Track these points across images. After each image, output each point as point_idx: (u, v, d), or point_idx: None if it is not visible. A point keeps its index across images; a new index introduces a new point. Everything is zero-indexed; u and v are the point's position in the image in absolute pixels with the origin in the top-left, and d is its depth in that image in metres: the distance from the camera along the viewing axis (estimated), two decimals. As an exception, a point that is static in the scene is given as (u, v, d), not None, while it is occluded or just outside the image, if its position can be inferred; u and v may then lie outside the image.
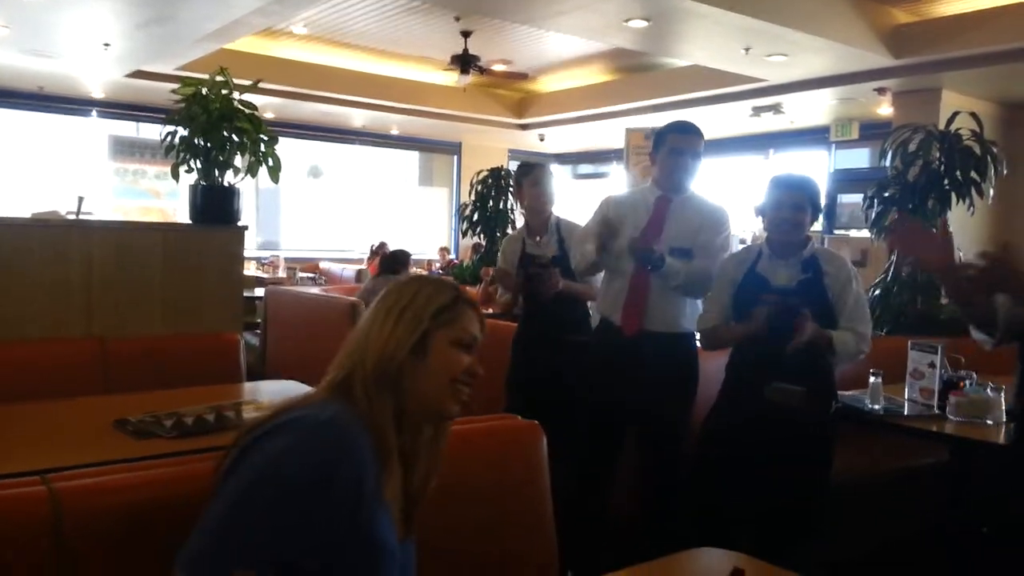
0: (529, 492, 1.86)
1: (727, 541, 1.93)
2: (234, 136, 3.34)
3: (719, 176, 11.05)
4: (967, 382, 2.80)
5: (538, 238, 3.49)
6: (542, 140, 11.70)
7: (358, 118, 10.65)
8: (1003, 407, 2.69)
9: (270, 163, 3.44)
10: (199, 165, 3.38)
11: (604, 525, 3.00)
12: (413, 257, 10.59)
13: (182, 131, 3.34)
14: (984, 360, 3.29)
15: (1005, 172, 4.35)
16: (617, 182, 11.57)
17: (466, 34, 7.73)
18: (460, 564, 1.68)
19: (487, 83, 9.90)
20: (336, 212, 11.80)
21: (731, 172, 10.89)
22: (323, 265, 10.04)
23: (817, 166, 9.34)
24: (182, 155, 3.37)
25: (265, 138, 3.41)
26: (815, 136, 9.28)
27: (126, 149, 9.75)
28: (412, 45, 8.41)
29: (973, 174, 4.10)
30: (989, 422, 2.67)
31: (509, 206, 7.44)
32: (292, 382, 2.90)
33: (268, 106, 9.41)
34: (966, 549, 2.79)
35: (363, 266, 9.29)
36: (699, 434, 2.80)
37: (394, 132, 11.66)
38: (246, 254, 3.84)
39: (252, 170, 3.44)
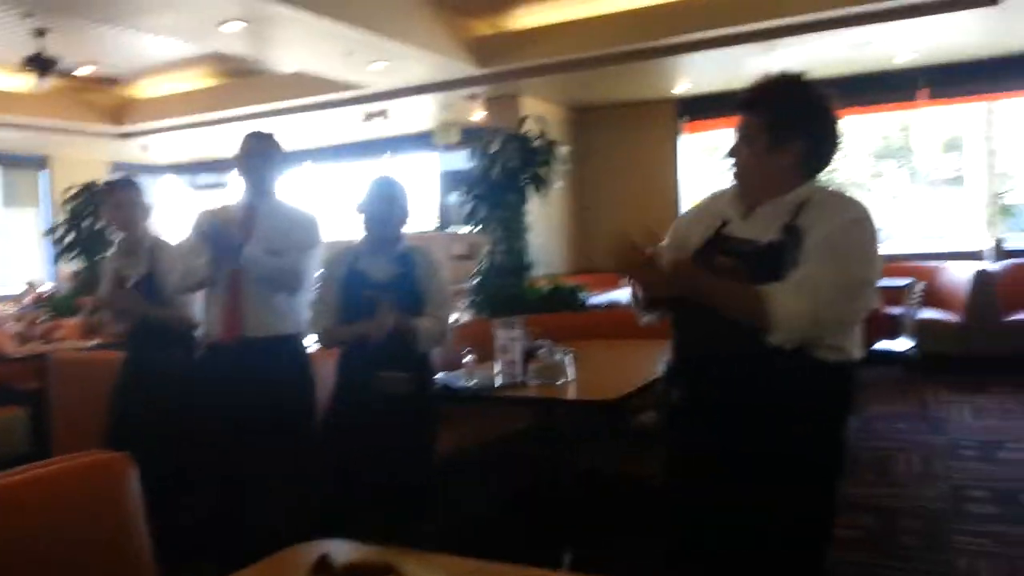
0: (120, 529, 1.76)
1: (351, 529, 2.02)
2: None
3: (338, 181, 11.22)
4: (542, 350, 3.23)
5: (132, 258, 3.32)
6: (145, 150, 10.82)
7: (-100, 130, 8.86)
8: (570, 368, 3.15)
9: None
10: None
11: (250, 546, 2.93)
12: (2, 292, 9.19)
13: None
14: (554, 330, 3.86)
15: (568, 165, 5.08)
16: (237, 191, 11.15)
17: (41, 32, 6.85)
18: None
19: (74, 87, 8.88)
20: None
21: (350, 177, 11.12)
22: None
23: (430, 168, 9.95)
24: None
25: None
26: (424, 140, 9.83)
27: None
28: (-33, 45, 7.24)
29: (542, 170, 4.74)
30: (561, 382, 3.11)
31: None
32: None
33: None
34: (557, 497, 3.25)
35: (-69, 307, 7.77)
36: (319, 429, 2.88)
37: (-45, 146, 9.92)
38: None
39: None
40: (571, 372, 3.13)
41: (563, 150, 4.95)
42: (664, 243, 1.98)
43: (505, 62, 7.19)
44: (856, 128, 9.12)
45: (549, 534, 2.94)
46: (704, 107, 8.46)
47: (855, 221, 1.75)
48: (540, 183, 4.71)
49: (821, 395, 1.77)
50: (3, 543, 1.55)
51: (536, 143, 4.79)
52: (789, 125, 1.79)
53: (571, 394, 3.08)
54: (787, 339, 1.68)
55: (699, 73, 7.53)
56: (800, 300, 1.67)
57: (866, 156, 9.58)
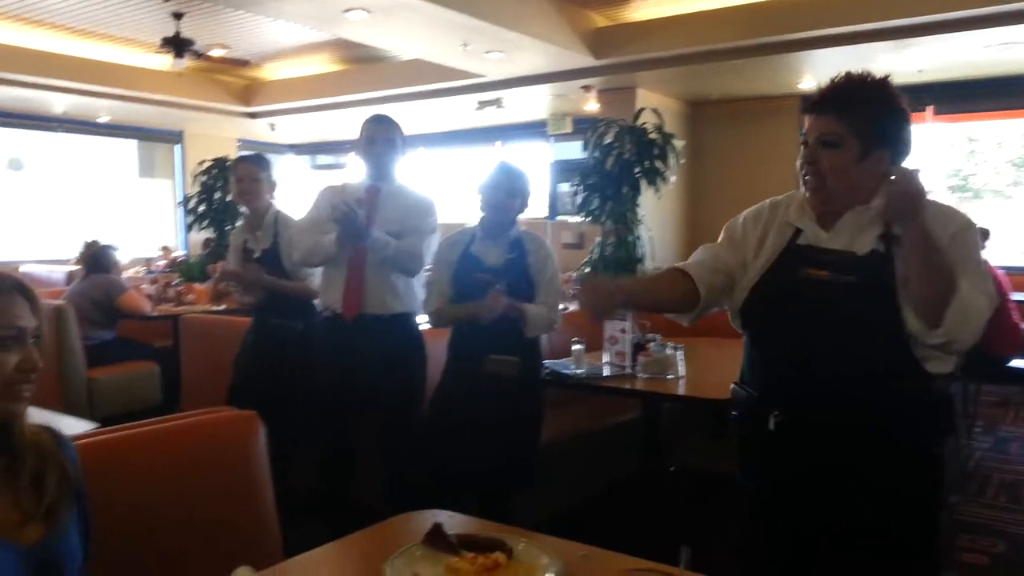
0: (248, 484, 1.86)
1: (454, 505, 2.07)
2: None
3: (450, 167, 11.44)
4: (652, 344, 3.22)
5: (257, 232, 3.49)
6: (273, 129, 11.32)
7: (59, 104, 9.58)
8: (680, 363, 3.13)
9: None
10: None
11: (353, 512, 3.05)
12: (137, 255, 9.85)
13: None
14: (664, 324, 3.81)
15: (683, 160, 5.01)
16: (354, 173, 11.53)
17: (178, 16, 7.28)
18: (182, 560, 1.66)
19: (207, 68, 9.38)
20: (44, 209, 10.54)
21: (463, 162, 11.31)
22: (24, 268, 8.93)
23: (540, 157, 10.00)
24: None
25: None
26: (536, 129, 9.91)
27: None
28: (116, 25, 7.74)
29: (657, 163, 4.69)
30: (670, 377, 3.09)
31: (238, 197, 7.18)
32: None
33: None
34: (659, 486, 3.23)
35: (75, 267, 8.42)
36: (427, 406, 2.97)
37: (103, 119, 10.64)
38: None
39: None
40: (681, 368, 3.10)
41: (679, 144, 4.86)
42: (718, 242, 1.92)
43: (622, 54, 7.12)
44: (996, 134, 8.60)
45: (652, 527, 2.92)
46: (829, 105, 8.12)
47: (967, 228, 1.67)
48: (655, 176, 4.66)
49: (929, 408, 1.70)
50: (143, 486, 1.66)
51: (652, 136, 4.74)
52: (880, 131, 1.69)
53: (681, 390, 3.04)
54: (953, 337, 1.58)
55: (826, 69, 7.18)
56: (980, 296, 1.58)
57: (1005, 163, 9.00)
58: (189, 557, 1.67)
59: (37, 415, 2.66)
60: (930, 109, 7.57)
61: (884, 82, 1.72)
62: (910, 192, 1.58)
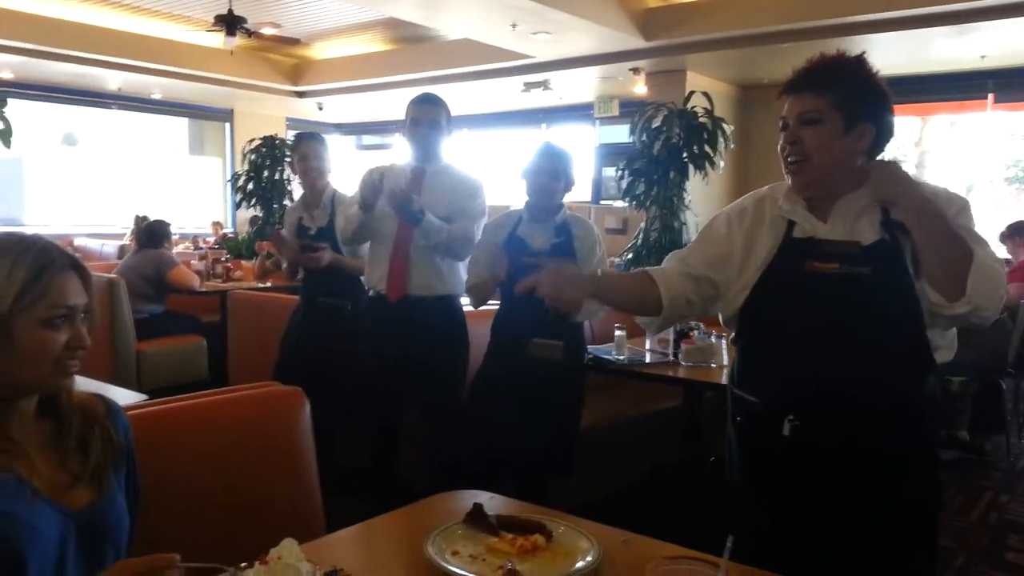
0: (292, 458, 1.89)
1: (494, 486, 2.07)
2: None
3: (496, 147, 11.43)
4: (696, 332, 3.19)
5: (314, 211, 3.52)
6: (321, 109, 11.42)
7: (113, 80, 9.78)
8: (724, 352, 3.09)
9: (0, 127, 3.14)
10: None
11: (396, 490, 3.09)
12: (185, 231, 10.06)
13: None
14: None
15: (732, 146, 4.92)
16: (401, 153, 11.58)
17: (230, -7, 7.37)
18: (226, 531, 1.69)
19: (258, 47, 9.49)
20: (96, 184, 10.81)
21: (508, 144, 11.29)
22: (78, 242, 9.18)
23: (585, 140, 9.92)
24: None
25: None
26: (582, 112, 9.84)
27: None
28: (171, 3, 7.87)
29: (706, 147, 4.61)
30: (713, 365, 3.06)
31: (286, 176, 7.25)
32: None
33: (5, 65, 8.44)
34: (701, 475, 3.21)
35: (126, 241, 8.63)
36: (468, 388, 2.98)
37: (155, 96, 10.85)
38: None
39: (-23, 135, 3.11)
40: (724, 357, 3.06)
41: (729, 128, 4.78)
42: (689, 247, 1.87)
43: (672, 36, 7.01)
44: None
45: (695, 515, 2.91)
46: (885, 91, 7.91)
47: (967, 205, 1.65)
48: (703, 161, 4.59)
49: (938, 402, 1.71)
50: (189, 457, 1.68)
51: (702, 120, 4.67)
52: (861, 105, 1.65)
53: (724, 378, 3.00)
54: (978, 303, 1.52)
55: (881, 54, 7.03)
56: (994, 262, 1.55)
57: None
58: (233, 529, 1.69)
59: (88, 385, 2.73)
60: (990, 97, 7.33)
61: (861, 59, 1.70)
62: (893, 171, 1.61)
